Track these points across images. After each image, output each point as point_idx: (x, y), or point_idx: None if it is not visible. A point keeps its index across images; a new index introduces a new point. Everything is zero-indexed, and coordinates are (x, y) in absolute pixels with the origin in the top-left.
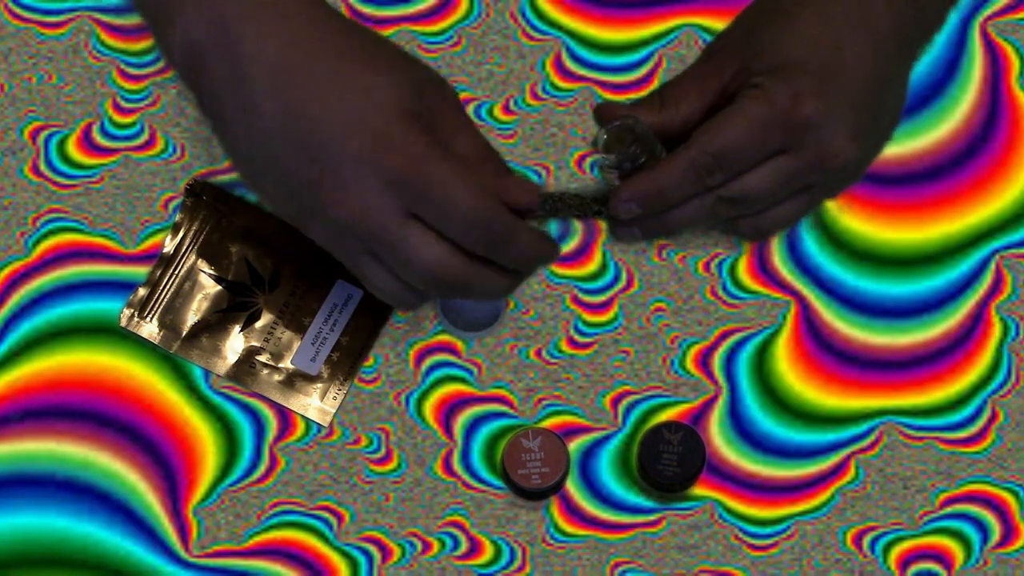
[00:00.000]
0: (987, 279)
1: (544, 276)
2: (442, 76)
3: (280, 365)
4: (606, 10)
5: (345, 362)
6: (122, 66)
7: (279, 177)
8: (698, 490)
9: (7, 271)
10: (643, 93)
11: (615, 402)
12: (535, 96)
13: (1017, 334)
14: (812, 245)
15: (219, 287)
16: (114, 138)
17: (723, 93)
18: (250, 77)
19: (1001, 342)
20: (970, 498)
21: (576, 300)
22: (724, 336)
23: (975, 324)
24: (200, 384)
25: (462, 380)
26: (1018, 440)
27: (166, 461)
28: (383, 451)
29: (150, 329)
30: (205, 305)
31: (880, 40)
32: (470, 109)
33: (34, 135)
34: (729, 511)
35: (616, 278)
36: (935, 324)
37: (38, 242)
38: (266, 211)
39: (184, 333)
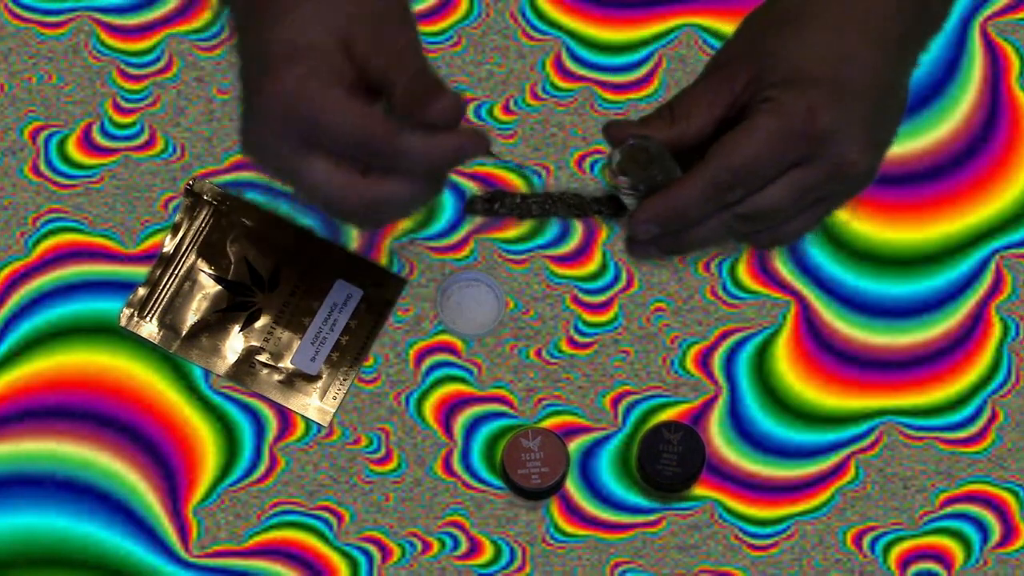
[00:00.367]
0: (987, 279)
1: (544, 276)
2: (396, 16)
3: (280, 365)
4: (606, 10)
5: (345, 362)
6: (122, 66)
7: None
8: (698, 490)
9: (7, 271)
10: (643, 93)
11: (615, 402)
12: (535, 96)
13: (1017, 334)
14: (812, 245)
15: (219, 287)
16: (114, 138)
17: (734, 105)
18: (236, 18)
19: (1001, 342)
20: (970, 498)
21: (576, 300)
22: (724, 336)
23: (975, 324)
24: (200, 384)
25: (462, 380)
26: (1018, 440)
27: (166, 461)
28: (383, 451)
29: (150, 329)
30: (205, 305)
31: (888, 47)
32: (470, 109)
33: (34, 135)
34: (729, 511)
35: (616, 278)
36: (935, 324)
37: (38, 242)
38: (266, 211)
39: (184, 333)
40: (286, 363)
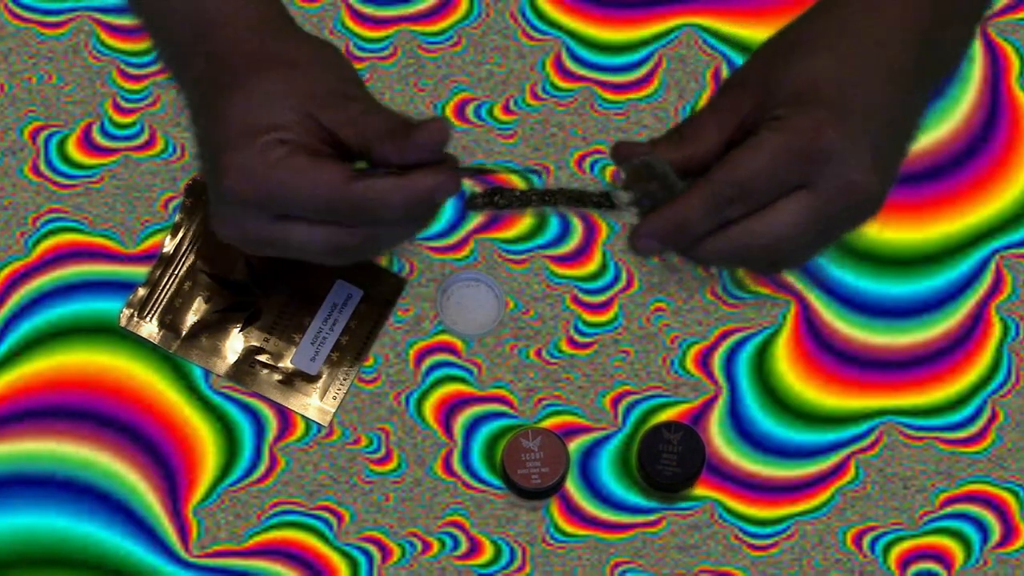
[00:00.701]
0: (987, 279)
1: (544, 276)
2: (353, 81)
3: (280, 365)
4: (606, 10)
5: (345, 362)
6: (122, 66)
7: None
8: (698, 490)
9: (7, 271)
10: (643, 93)
11: (615, 402)
12: (535, 96)
13: (1017, 334)
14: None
15: (219, 287)
16: (114, 138)
17: (741, 127)
18: (191, 103)
19: (1001, 342)
20: (970, 498)
21: (576, 300)
22: (724, 336)
23: (975, 324)
24: (200, 384)
25: (462, 380)
26: (1018, 440)
27: (166, 461)
28: (383, 451)
29: (150, 329)
30: (205, 305)
31: (898, 76)
32: (470, 109)
33: (34, 135)
34: (729, 511)
35: (616, 278)
36: (935, 324)
37: (38, 242)
38: None
39: (184, 333)
40: (286, 363)
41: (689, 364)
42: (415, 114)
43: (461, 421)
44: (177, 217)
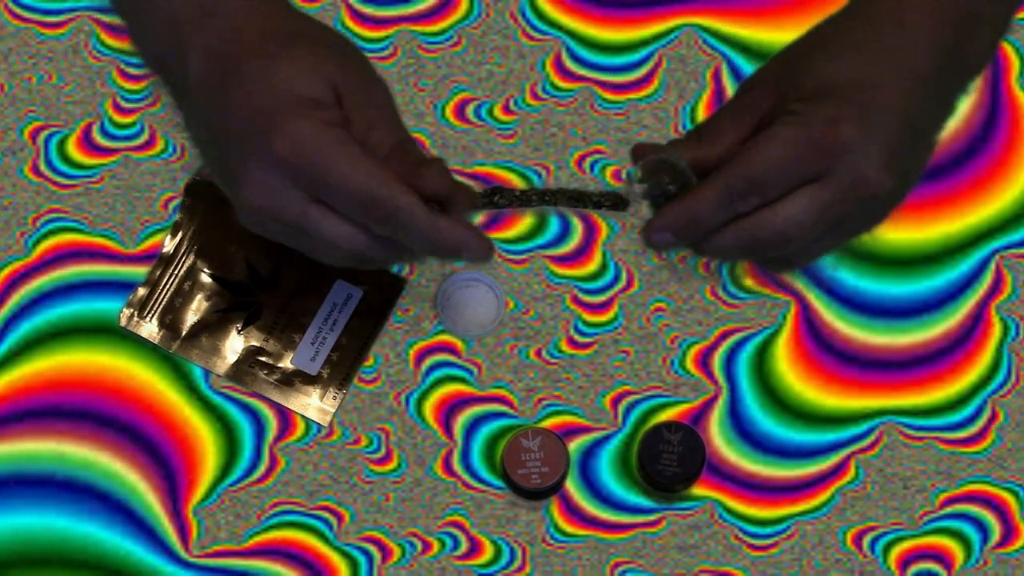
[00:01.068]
0: (987, 279)
1: (544, 276)
2: (373, 73)
3: (280, 365)
4: (606, 10)
5: (345, 362)
6: (122, 66)
7: (212, 171)
8: (698, 490)
9: (7, 271)
10: (643, 93)
11: (615, 402)
12: (535, 96)
13: (1017, 334)
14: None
15: (219, 287)
16: (114, 138)
17: (759, 126)
18: (182, 81)
19: (1001, 342)
20: (970, 498)
21: (576, 300)
22: (724, 336)
23: (975, 324)
24: (200, 384)
25: (462, 380)
26: (1018, 440)
27: (166, 461)
28: (383, 451)
29: (150, 329)
30: (205, 305)
31: (920, 82)
32: (470, 109)
33: (34, 135)
34: (729, 511)
35: (616, 278)
36: (935, 324)
37: (38, 242)
38: None
39: (184, 333)
40: (286, 363)
41: (689, 364)
42: (415, 114)
43: (461, 421)
44: (177, 217)
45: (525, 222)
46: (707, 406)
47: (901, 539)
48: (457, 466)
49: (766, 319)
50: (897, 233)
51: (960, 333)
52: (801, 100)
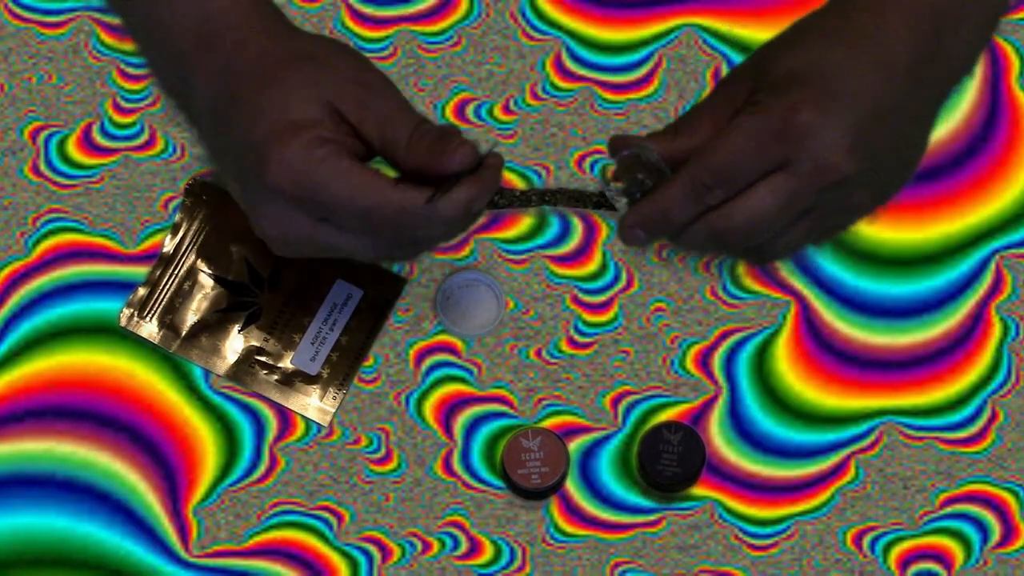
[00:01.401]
0: (987, 279)
1: (544, 276)
2: (373, 72)
3: (280, 365)
4: (606, 10)
5: (345, 362)
6: (122, 66)
7: (241, 205)
8: (698, 490)
9: (7, 271)
10: (643, 93)
11: (615, 402)
12: (535, 96)
13: (1017, 334)
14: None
15: (219, 287)
16: (114, 138)
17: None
18: (195, 112)
19: (1001, 342)
20: (970, 498)
21: (576, 300)
22: (724, 336)
23: (975, 324)
24: (200, 384)
25: (462, 380)
26: (1018, 440)
27: (166, 461)
28: (383, 451)
29: (150, 329)
30: (205, 305)
31: (892, 70)
32: (470, 109)
33: (34, 135)
34: (729, 511)
35: (616, 278)
36: (935, 324)
37: (38, 242)
38: None
39: (184, 333)
40: (286, 363)
41: (689, 364)
42: None
43: (461, 421)
44: (177, 217)
45: (525, 222)
46: (707, 406)
47: (901, 539)
48: (457, 466)
49: (766, 319)
50: (897, 233)
51: (960, 333)
52: (763, 89)
